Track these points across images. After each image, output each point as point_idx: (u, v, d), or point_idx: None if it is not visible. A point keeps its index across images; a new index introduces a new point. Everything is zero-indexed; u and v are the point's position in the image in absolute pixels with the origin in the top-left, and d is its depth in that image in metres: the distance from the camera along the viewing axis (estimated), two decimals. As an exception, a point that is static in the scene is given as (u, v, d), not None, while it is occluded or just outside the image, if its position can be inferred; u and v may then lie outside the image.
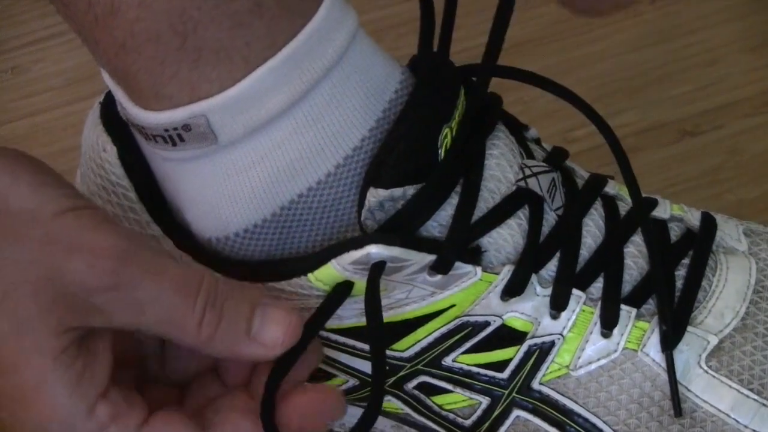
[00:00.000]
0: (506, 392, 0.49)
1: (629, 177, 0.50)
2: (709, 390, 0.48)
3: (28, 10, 0.84)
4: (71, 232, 0.41)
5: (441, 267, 0.46)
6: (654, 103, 0.71)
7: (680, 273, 0.50)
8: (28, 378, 0.41)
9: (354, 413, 0.53)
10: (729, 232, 0.52)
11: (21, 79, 0.80)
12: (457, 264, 0.46)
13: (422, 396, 0.50)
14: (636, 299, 0.49)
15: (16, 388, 0.41)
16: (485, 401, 0.50)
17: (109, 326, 0.42)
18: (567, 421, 0.49)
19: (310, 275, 0.46)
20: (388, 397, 0.51)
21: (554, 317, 0.48)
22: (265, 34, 0.44)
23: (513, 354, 0.49)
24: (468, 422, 0.50)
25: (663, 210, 0.52)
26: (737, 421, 0.48)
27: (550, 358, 0.49)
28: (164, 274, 0.42)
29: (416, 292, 0.47)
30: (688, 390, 0.48)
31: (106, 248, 0.41)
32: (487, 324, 0.48)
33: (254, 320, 0.43)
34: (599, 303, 0.48)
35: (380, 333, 0.46)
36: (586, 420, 0.49)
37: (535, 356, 0.49)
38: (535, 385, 0.49)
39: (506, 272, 0.47)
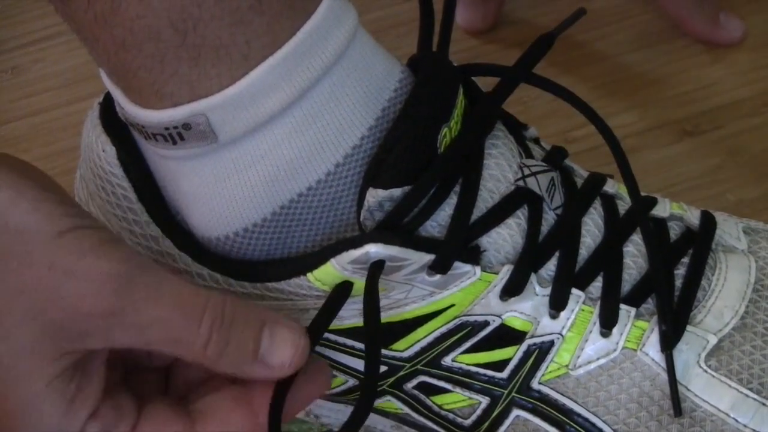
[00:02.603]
0: (506, 392, 0.49)
1: (628, 177, 0.50)
2: (708, 389, 0.48)
3: (28, 10, 0.84)
4: (70, 254, 0.40)
5: (440, 266, 0.46)
6: (654, 103, 0.71)
7: (680, 272, 0.50)
8: (18, 404, 0.40)
9: (353, 413, 0.53)
10: (728, 230, 0.52)
11: (21, 79, 0.80)
12: (456, 264, 0.46)
13: (422, 396, 0.50)
14: (635, 299, 0.49)
15: (5, 413, 0.41)
16: (485, 401, 0.50)
17: (110, 346, 0.41)
18: (566, 420, 0.49)
19: (309, 275, 0.46)
20: (387, 397, 0.51)
21: (553, 317, 0.48)
22: (266, 32, 0.44)
23: (512, 353, 0.49)
24: (468, 422, 0.50)
25: (662, 209, 0.52)
26: (737, 421, 0.47)
27: (549, 357, 0.48)
28: (166, 295, 0.41)
29: (415, 291, 0.47)
30: (688, 389, 0.48)
31: (106, 272, 0.40)
32: (486, 324, 0.48)
33: (262, 341, 0.43)
34: (598, 302, 0.48)
35: (377, 332, 0.45)
36: (585, 419, 0.49)
37: (534, 356, 0.49)
38: (535, 384, 0.49)
39: (505, 272, 0.47)
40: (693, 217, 0.52)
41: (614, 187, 0.52)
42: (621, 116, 0.70)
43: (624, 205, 0.51)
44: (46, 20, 0.83)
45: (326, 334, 0.49)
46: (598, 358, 0.48)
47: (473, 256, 0.47)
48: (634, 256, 0.49)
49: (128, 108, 0.46)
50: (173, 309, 0.41)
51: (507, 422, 0.50)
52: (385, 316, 0.48)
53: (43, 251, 0.40)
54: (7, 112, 0.78)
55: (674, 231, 0.51)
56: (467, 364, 0.49)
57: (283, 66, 0.44)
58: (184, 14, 0.42)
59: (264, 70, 0.44)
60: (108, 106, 0.50)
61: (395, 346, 0.49)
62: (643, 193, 0.52)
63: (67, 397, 0.41)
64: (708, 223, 0.52)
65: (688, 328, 0.48)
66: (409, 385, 0.50)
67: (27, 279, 0.40)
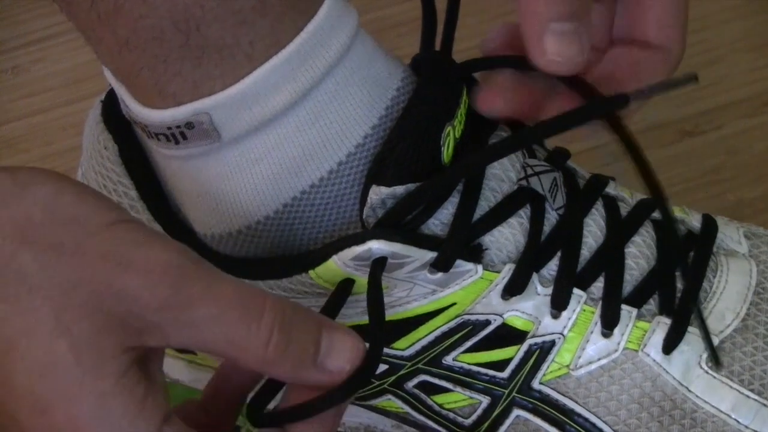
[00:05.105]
0: (506, 392, 0.49)
1: (642, 167, 0.47)
2: (709, 391, 0.48)
3: (28, 10, 0.84)
4: (123, 245, 0.38)
5: (442, 264, 0.46)
6: (654, 103, 0.71)
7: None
8: (85, 405, 0.38)
9: (356, 413, 0.53)
10: (730, 234, 0.52)
11: (21, 79, 0.81)
12: (458, 262, 0.46)
13: (422, 395, 0.50)
14: (637, 299, 0.49)
15: (69, 421, 0.38)
16: (485, 400, 0.50)
17: (166, 345, 0.39)
18: (567, 420, 0.49)
19: (311, 272, 0.46)
20: (388, 396, 0.51)
21: (555, 317, 0.48)
22: (269, 32, 0.44)
23: (513, 353, 0.49)
24: (468, 421, 0.50)
25: (664, 211, 0.52)
26: (738, 422, 0.48)
27: (550, 357, 0.48)
28: (224, 291, 0.39)
29: (417, 290, 0.47)
30: (689, 390, 0.48)
31: (162, 265, 0.38)
32: (487, 323, 0.48)
33: (322, 343, 0.41)
34: (600, 303, 0.48)
35: (381, 328, 0.45)
36: (586, 420, 0.49)
37: (535, 356, 0.49)
38: (536, 384, 0.49)
39: (507, 271, 0.47)
40: (694, 220, 0.52)
41: (616, 188, 0.52)
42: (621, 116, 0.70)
43: (626, 206, 0.51)
44: (46, 20, 0.83)
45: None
46: (599, 359, 0.48)
47: (475, 255, 0.47)
48: (636, 257, 0.50)
49: (132, 106, 0.46)
50: (231, 306, 0.39)
51: (507, 422, 0.50)
52: (387, 315, 0.47)
53: (95, 241, 0.38)
54: (7, 112, 0.78)
55: (675, 233, 0.51)
56: (468, 364, 0.49)
57: (286, 66, 0.44)
58: (187, 15, 0.42)
59: (267, 69, 0.44)
60: (110, 104, 0.50)
61: (396, 344, 0.49)
62: (644, 196, 0.52)
63: (138, 398, 0.38)
64: (709, 226, 0.52)
65: (690, 329, 0.48)
66: (410, 384, 0.50)
67: (80, 271, 0.38)
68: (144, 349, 0.39)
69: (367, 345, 0.42)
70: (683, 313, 0.48)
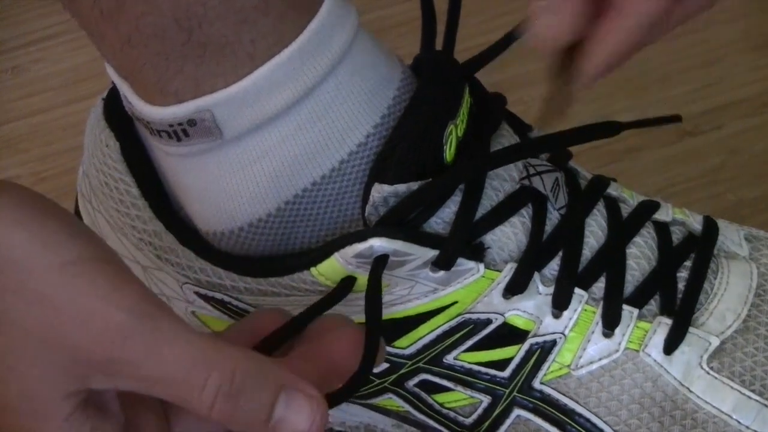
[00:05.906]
0: (507, 391, 0.49)
1: None
2: (710, 391, 0.48)
3: (28, 10, 0.84)
4: (66, 293, 0.37)
5: (443, 263, 0.46)
6: (654, 103, 0.72)
7: (682, 275, 0.50)
8: None
9: (355, 412, 0.53)
10: (730, 236, 0.52)
11: (21, 79, 0.81)
12: (460, 260, 0.46)
13: (423, 394, 0.50)
14: (638, 299, 0.49)
15: None
16: (486, 400, 0.50)
17: (114, 389, 0.39)
18: (568, 420, 0.49)
19: (312, 269, 0.46)
20: (388, 395, 0.51)
21: (556, 316, 0.48)
22: (271, 31, 0.44)
23: (514, 353, 0.49)
24: (469, 421, 0.50)
25: (665, 213, 0.52)
26: (739, 422, 0.47)
27: (551, 357, 0.48)
28: (169, 352, 0.37)
29: (418, 288, 0.47)
30: (690, 391, 0.48)
31: (104, 321, 0.37)
32: (488, 322, 0.48)
33: (277, 407, 0.39)
34: (601, 303, 0.48)
35: (378, 326, 0.45)
36: (586, 420, 0.49)
37: (536, 355, 0.49)
38: (536, 384, 0.49)
39: (509, 270, 0.47)
40: (695, 222, 0.52)
41: (618, 189, 0.52)
42: (621, 116, 0.69)
43: (627, 208, 0.51)
44: (46, 20, 0.83)
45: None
46: (600, 359, 0.48)
47: (477, 253, 0.47)
48: (637, 257, 0.50)
49: (135, 103, 0.46)
50: (176, 369, 0.38)
51: (508, 422, 0.50)
52: (388, 313, 0.48)
53: (40, 285, 0.37)
54: (7, 112, 0.78)
55: (676, 235, 0.51)
56: (469, 363, 0.49)
57: (288, 65, 0.44)
58: (188, 12, 0.43)
59: (269, 68, 0.44)
60: (112, 102, 0.50)
61: (397, 343, 0.49)
62: (644, 197, 0.52)
63: None
64: (710, 228, 0.52)
65: (691, 329, 0.48)
66: (411, 383, 0.50)
67: (25, 316, 0.37)
68: (89, 390, 0.38)
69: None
70: (684, 313, 0.48)
